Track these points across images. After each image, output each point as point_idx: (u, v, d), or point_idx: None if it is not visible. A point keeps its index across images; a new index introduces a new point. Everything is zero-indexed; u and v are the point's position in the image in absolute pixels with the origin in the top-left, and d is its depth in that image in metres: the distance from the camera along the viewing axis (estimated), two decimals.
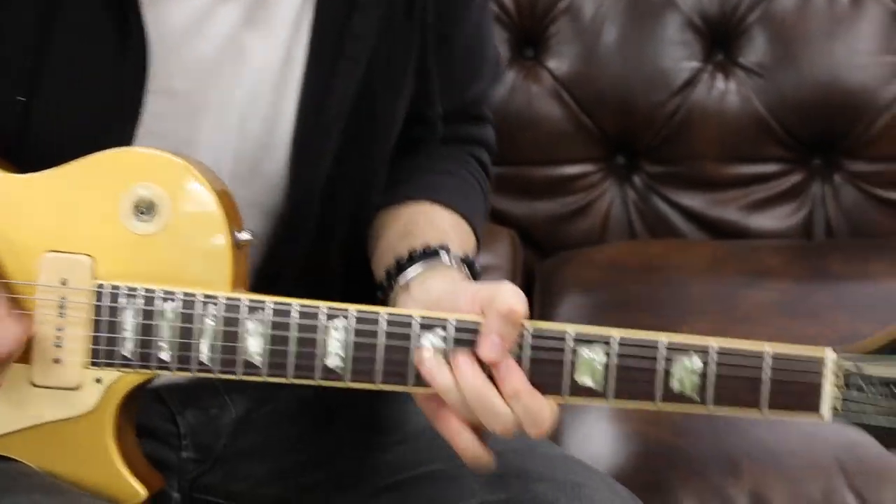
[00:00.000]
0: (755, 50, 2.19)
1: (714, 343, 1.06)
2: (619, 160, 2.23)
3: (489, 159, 1.41)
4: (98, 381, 1.14)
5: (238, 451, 1.32)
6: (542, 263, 2.15)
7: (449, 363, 1.09)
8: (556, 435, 1.65)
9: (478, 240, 1.32)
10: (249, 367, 1.12)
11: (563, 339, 1.07)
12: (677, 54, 2.19)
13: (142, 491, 1.16)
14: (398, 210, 1.30)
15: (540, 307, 1.99)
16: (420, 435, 1.25)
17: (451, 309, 1.11)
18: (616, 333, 1.07)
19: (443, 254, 1.20)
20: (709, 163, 2.19)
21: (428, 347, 1.09)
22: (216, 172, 1.18)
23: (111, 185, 1.14)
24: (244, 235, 1.15)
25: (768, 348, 1.05)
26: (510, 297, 1.08)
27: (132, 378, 1.14)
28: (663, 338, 1.06)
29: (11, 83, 1.16)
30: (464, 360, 1.08)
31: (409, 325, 1.10)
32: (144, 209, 1.14)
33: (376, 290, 1.22)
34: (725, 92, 2.18)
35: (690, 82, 2.18)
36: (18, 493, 1.13)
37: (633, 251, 2.12)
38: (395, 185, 1.32)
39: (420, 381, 1.10)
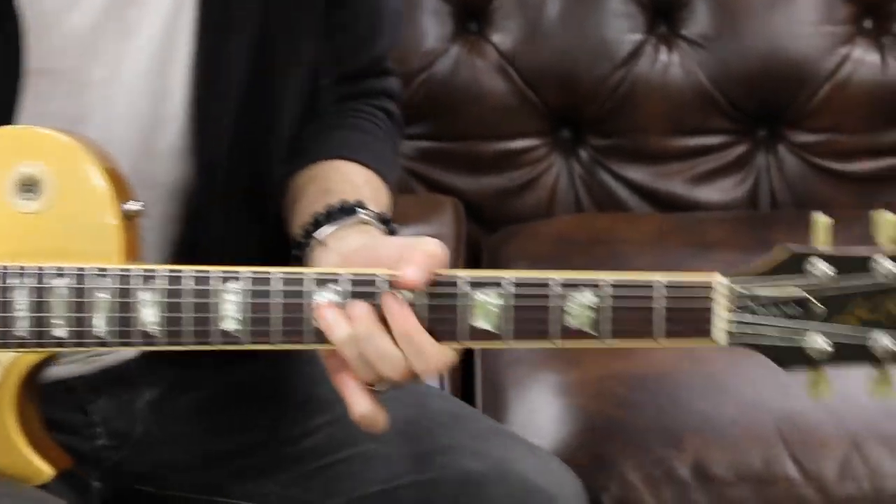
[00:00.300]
0: (698, 21, 2.19)
1: (606, 277, 1.06)
2: (564, 134, 2.23)
3: (396, 108, 1.42)
4: None
5: (164, 437, 1.32)
6: (488, 238, 2.15)
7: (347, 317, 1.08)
8: (499, 408, 1.65)
9: (391, 192, 1.32)
10: (146, 336, 1.12)
11: (454, 283, 1.07)
12: (620, 26, 2.18)
13: (47, 469, 1.15)
14: (312, 170, 1.30)
15: None
16: (348, 415, 1.24)
17: (371, 261, 1.11)
18: (508, 275, 1.07)
19: (359, 210, 1.20)
20: (653, 135, 2.20)
21: (324, 302, 1.08)
22: (110, 150, 1.16)
23: None
24: (132, 206, 1.14)
25: (659, 278, 1.06)
26: (434, 243, 1.09)
27: (30, 358, 1.14)
28: (555, 275, 1.07)
29: None
30: (360, 307, 1.08)
31: (302, 282, 1.10)
32: (29, 187, 1.13)
33: (292, 250, 1.22)
34: (669, 64, 2.19)
35: (634, 54, 2.18)
36: None
37: (580, 225, 2.12)
38: (307, 146, 1.32)
39: (319, 337, 1.10)
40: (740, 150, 2.22)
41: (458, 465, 1.18)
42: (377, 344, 1.07)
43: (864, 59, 2.18)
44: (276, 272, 1.11)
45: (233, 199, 1.25)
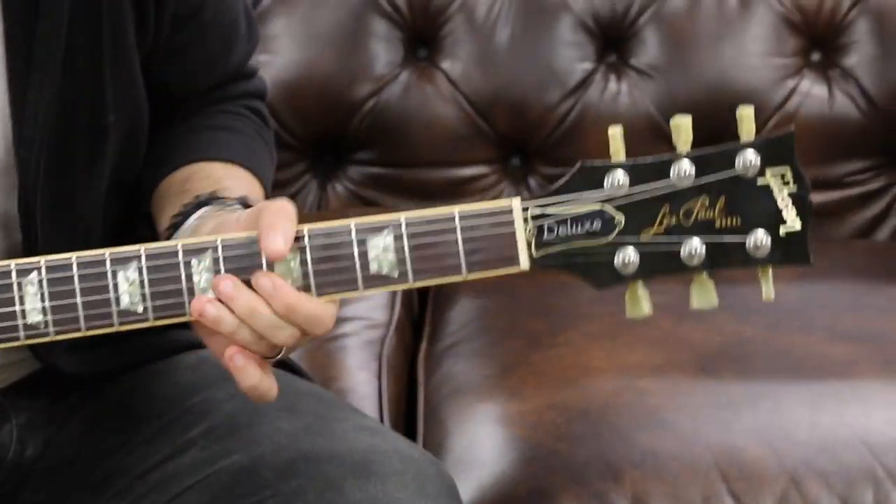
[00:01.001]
0: (647, 51, 2.19)
1: (402, 216, 1.06)
2: (514, 162, 2.23)
3: (264, 106, 1.42)
4: None
5: (49, 467, 1.29)
6: None
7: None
8: (440, 439, 1.64)
9: (266, 188, 1.32)
10: None
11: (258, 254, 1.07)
12: (570, 55, 2.19)
13: None
14: (174, 175, 1.30)
15: (432, 310, 1.98)
16: (223, 425, 1.24)
17: None
18: (306, 228, 1.07)
19: (214, 200, 1.20)
20: None
21: (208, 297, 1.08)
22: None
23: None
24: None
25: (456, 210, 1.05)
26: (280, 200, 1.09)
27: None
28: (352, 222, 1.07)
29: None
30: (228, 282, 1.08)
31: (102, 263, 1.09)
32: None
33: None
34: (618, 93, 2.19)
35: (583, 83, 2.18)
36: None
37: None
38: (171, 152, 1.32)
39: (125, 318, 1.09)
40: None
41: (319, 471, 1.16)
42: (262, 319, 1.08)
43: (812, 92, 2.18)
44: (74, 256, 1.10)
45: (53, 210, 1.23)
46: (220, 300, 1.09)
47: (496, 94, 2.18)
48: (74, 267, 1.10)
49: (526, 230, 1.05)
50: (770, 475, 1.54)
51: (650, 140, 2.19)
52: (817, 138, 2.18)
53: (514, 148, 2.22)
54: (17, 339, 1.10)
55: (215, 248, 1.10)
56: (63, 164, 1.22)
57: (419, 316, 2.00)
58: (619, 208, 1.05)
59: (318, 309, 1.08)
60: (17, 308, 1.10)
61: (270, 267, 1.09)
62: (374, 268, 1.07)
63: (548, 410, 1.62)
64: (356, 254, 1.07)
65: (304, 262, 1.08)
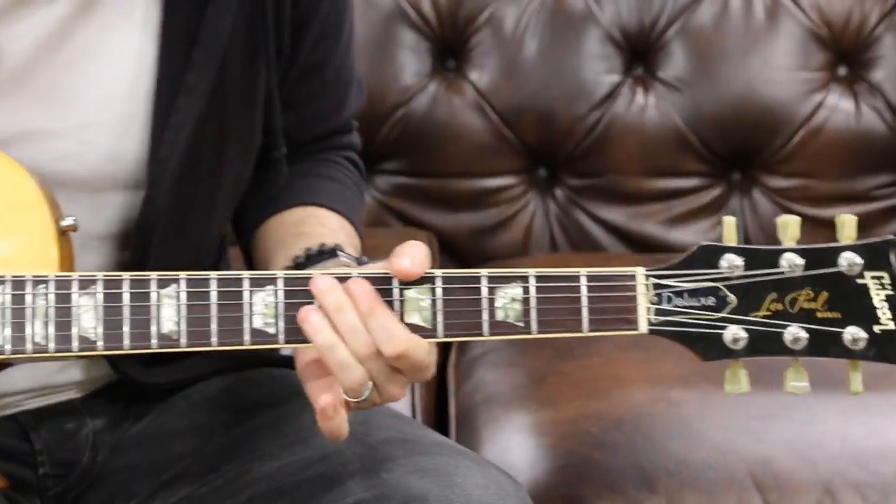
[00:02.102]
0: (674, 64, 2.21)
1: (532, 271, 1.12)
2: (540, 173, 2.25)
3: (359, 159, 1.47)
4: None
5: (112, 467, 1.32)
6: None
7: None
8: (473, 447, 1.65)
9: (360, 240, 1.37)
10: (85, 342, 1.13)
11: (389, 282, 1.12)
12: (598, 67, 2.20)
13: None
14: (284, 215, 1.34)
15: None
16: (297, 437, 1.27)
17: None
18: (438, 273, 1.12)
19: (339, 253, 1.24)
20: (629, 176, 2.21)
21: (312, 308, 1.12)
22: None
23: None
24: (67, 221, 1.17)
25: (583, 271, 1.12)
26: (412, 242, 1.14)
27: None
28: (484, 271, 1.13)
29: None
30: (323, 281, 1.11)
31: (239, 282, 1.13)
32: None
33: None
34: (645, 106, 2.20)
35: (610, 95, 2.20)
36: None
37: (555, 264, 2.11)
38: (281, 193, 1.36)
39: (257, 338, 1.13)
40: (715, 192, 2.24)
41: (402, 482, 1.19)
42: (346, 318, 1.11)
43: (839, 106, 2.20)
44: (213, 274, 1.13)
45: (169, 233, 1.26)
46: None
47: (523, 106, 2.19)
48: (213, 283, 1.13)
49: (646, 297, 1.12)
50: (804, 485, 1.55)
51: (676, 152, 2.20)
52: (843, 152, 2.20)
53: (541, 159, 2.23)
54: (148, 346, 1.13)
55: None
56: (188, 187, 1.25)
57: None
58: (731, 288, 1.12)
59: (401, 329, 1.11)
60: (154, 317, 1.13)
61: (402, 305, 1.13)
62: (500, 315, 1.12)
63: (581, 419, 1.63)
64: (484, 301, 1.12)
65: (433, 303, 1.12)
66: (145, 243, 1.24)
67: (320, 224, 1.33)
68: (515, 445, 1.63)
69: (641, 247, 2.23)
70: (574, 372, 1.73)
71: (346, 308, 1.11)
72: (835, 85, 2.21)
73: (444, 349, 1.95)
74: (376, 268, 1.15)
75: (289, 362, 1.35)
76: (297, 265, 1.25)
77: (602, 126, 2.19)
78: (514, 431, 1.65)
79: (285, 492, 1.24)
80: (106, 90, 1.23)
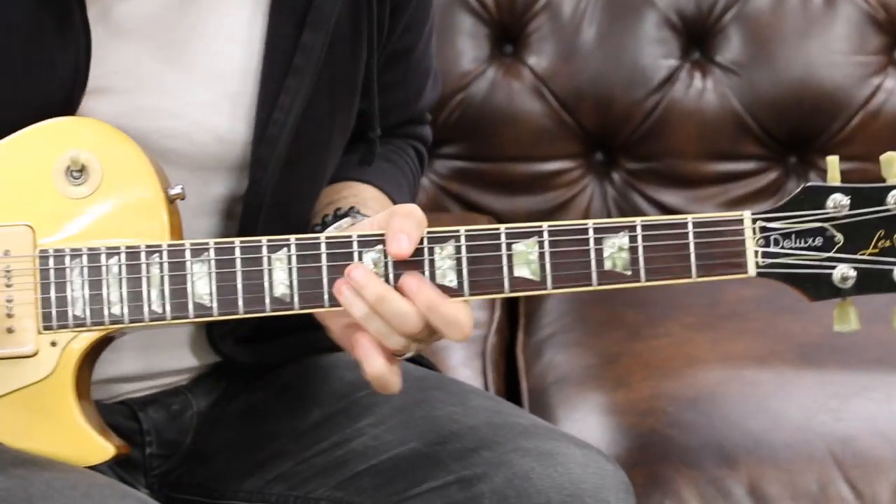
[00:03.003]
0: (731, 48, 2.22)
1: (638, 220, 1.13)
2: (597, 157, 2.26)
3: (424, 151, 1.49)
4: (53, 344, 1.16)
5: (213, 447, 1.34)
6: None
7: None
8: None
9: None
10: (200, 308, 1.15)
11: (497, 236, 1.13)
12: (655, 52, 2.21)
13: (110, 447, 1.18)
14: (328, 189, 1.35)
15: (525, 304, 2.00)
16: (393, 416, 1.28)
17: None
18: (545, 225, 1.13)
19: (353, 214, 1.26)
20: (686, 160, 2.22)
21: (343, 281, 1.13)
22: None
23: (42, 155, 1.17)
24: (175, 189, 1.19)
25: (690, 217, 1.14)
26: (410, 205, 1.15)
27: (87, 337, 1.17)
28: (590, 222, 1.13)
29: None
30: (359, 273, 1.13)
31: (349, 245, 1.14)
32: (77, 173, 1.17)
33: None
34: (703, 90, 2.21)
35: (668, 80, 2.21)
36: None
37: None
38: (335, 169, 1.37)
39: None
40: (772, 176, 2.25)
41: (505, 460, 1.20)
42: (391, 306, 1.12)
43: None
44: (322, 237, 1.15)
45: (274, 210, 1.28)
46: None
47: (582, 90, 2.20)
48: (322, 246, 1.15)
49: (753, 240, 1.13)
50: (885, 463, 1.56)
51: (733, 136, 2.22)
52: None
53: (598, 143, 2.25)
54: (262, 310, 1.15)
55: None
56: (294, 168, 1.27)
57: (511, 307, 2.02)
58: (838, 228, 1.13)
59: (457, 308, 1.13)
60: (266, 281, 1.15)
61: (510, 258, 1.14)
62: (608, 265, 1.13)
63: (656, 399, 1.64)
64: (592, 251, 1.13)
65: (541, 256, 1.13)
66: (252, 222, 1.25)
67: (353, 195, 1.34)
68: (592, 425, 1.65)
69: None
70: (645, 352, 1.75)
71: (389, 296, 1.13)
72: (892, 68, 2.22)
73: (510, 331, 1.96)
74: (374, 224, 1.17)
75: None
76: (314, 231, 1.26)
77: (660, 110, 2.20)
78: (590, 411, 1.67)
79: (383, 469, 1.26)
80: (215, 71, 1.24)
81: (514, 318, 1.99)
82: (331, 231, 1.24)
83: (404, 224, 1.14)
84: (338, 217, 1.26)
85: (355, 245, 1.14)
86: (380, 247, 1.14)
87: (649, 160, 2.24)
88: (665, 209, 2.25)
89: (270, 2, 1.25)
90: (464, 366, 1.82)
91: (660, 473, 1.56)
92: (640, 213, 2.24)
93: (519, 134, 2.21)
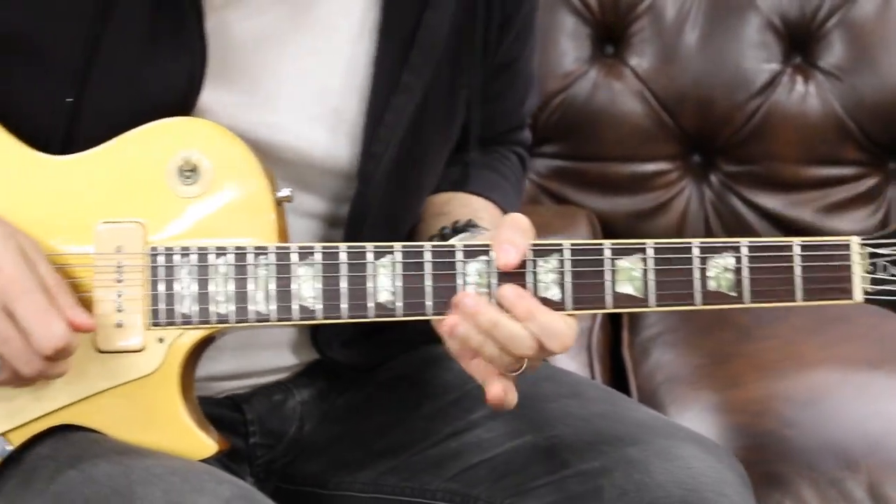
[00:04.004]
0: (834, 53, 2.21)
1: (744, 241, 1.12)
2: (694, 159, 2.26)
3: (526, 154, 1.50)
4: (160, 340, 1.18)
5: (318, 438, 1.35)
6: None
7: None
8: None
9: None
10: (305, 311, 1.16)
11: (600, 251, 1.13)
12: (757, 56, 2.21)
13: (212, 444, 1.19)
14: (433, 198, 1.37)
15: None
16: (506, 411, 1.26)
17: None
18: (650, 242, 1.13)
19: (470, 228, 1.26)
20: (786, 164, 2.22)
21: (456, 318, 1.13)
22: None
23: (155, 154, 1.19)
24: (283, 192, 1.20)
25: (796, 240, 1.12)
26: (516, 214, 1.16)
27: (193, 334, 1.18)
28: (695, 241, 1.13)
29: (60, 86, 1.18)
30: (471, 300, 1.13)
31: (453, 254, 1.15)
32: (188, 173, 1.19)
33: None
34: (805, 94, 2.21)
35: (770, 84, 2.21)
36: (96, 457, 1.16)
37: None
38: (444, 177, 1.38)
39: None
40: (873, 181, 2.25)
41: (623, 453, 1.21)
42: (503, 331, 1.13)
43: None
44: (427, 245, 1.16)
45: (379, 220, 1.29)
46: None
47: (683, 92, 2.21)
48: (427, 254, 1.16)
49: (861, 266, 1.12)
50: None
51: (835, 141, 2.21)
52: None
53: (696, 145, 2.25)
54: (365, 315, 1.16)
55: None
56: (400, 179, 1.28)
57: None
58: None
59: (556, 318, 1.13)
60: (370, 287, 1.15)
61: (613, 274, 1.14)
62: (712, 285, 1.13)
63: (770, 399, 1.65)
64: (696, 270, 1.13)
65: (645, 273, 1.13)
66: (355, 233, 1.27)
67: (462, 205, 1.35)
68: (706, 424, 1.65)
69: (796, 234, 2.21)
70: (755, 353, 1.75)
71: (501, 321, 1.13)
72: None
73: (615, 330, 1.97)
74: (486, 239, 1.16)
75: None
76: (431, 241, 1.26)
77: (761, 114, 2.20)
78: (702, 410, 1.68)
79: (499, 462, 1.27)
80: (320, 86, 1.26)
81: (617, 316, 2.00)
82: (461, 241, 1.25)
83: (512, 235, 1.14)
84: (456, 230, 1.27)
85: (460, 255, 1.15)
86: (483, 257, 1.15)
87: (748, 163, 2.24)
88: (762, 212, 2.25)
89: (380, 20, 1.26)
90: (570, 358, 1.83)
91: (779, 473, 1.57)
92: (737, 215, 2.25)
93: (619, 134, 2.22)
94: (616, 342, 1.93)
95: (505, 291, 1.13)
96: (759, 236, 2.21)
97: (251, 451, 1.33)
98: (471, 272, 1.15)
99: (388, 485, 1.32)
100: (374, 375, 1.37)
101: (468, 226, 1.27)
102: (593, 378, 1.81)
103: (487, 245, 1.15)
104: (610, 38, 2.25)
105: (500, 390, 1.15)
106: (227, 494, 1.11)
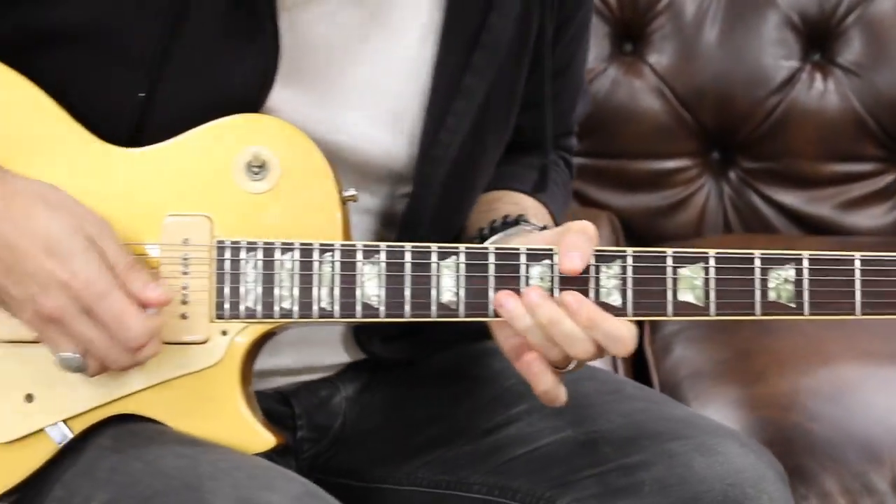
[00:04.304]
0: (852, 50, 2.23)
1: (806, 253, 1.12)
2: (714, 155, 2.28)
3: (572, 160, 1.50)
4: (224, 333, 1.18)
5: (362, 432, 1.36)
6: None
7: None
8: None
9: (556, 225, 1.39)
10: (368, 309, 1.17)
11: (662, 259, 1.13)
12: (776, 53, 2.23)
13: (271, 437, 1.20)
14: (484, 196, 1.37)
15: None
16: (542, 407, 1.27)
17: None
18: (711, 252, 1.14)
19: (521, 222, 1.27)
20: (805, 160, 2.24)
21: (507, 292, 1.14)
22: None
23: (224, 150, 1.19)
24: (349, 192, 1.21)
25: (857, 254, 1.12)
26: (583, 221, 1.16)
27: (256, 328, 1.19)
28: (757, 251, 1.13)
29: (134, 79, 1.19)
30: (535, 294, 1.14)
31: (517, 256, 1.15)
32: (256, 169, 1.19)
33: None
34: (824, 91, 2.23)
35: (789, 80, 2.22)
36: (159, 449, 1.17)
37: (729, 245, 2.14)
38: (497, 176, 1.38)
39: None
40: (891, 177, 2.26)
41: (664, 448, 1.22)
42: (562, 329, 1.13)
43: None
44: (491, 248, 1.16)
45: (433, 220, 1.30)
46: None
47: (702, 89, 2.22)
48: (491, 257, 1.16)
49: None
50: None
51: (854, 137, 2.23)
52: None
53: (715, 142, 2.26)
54: (428, 315, 1.17)
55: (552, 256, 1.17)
56: (457, 180, 1.29)
57: None
58: None
59: (618, 325, 1.14)
60: (434, 287, 1.16)
61: (675, 283, 1.14)
62: (772, 296, 1.13)
63: (795, 394, 1.66)
64: (758, 281, 1.13)
65: (706, 282, 1.14)
66: (411, 233, 1.27)
67: (513, 203, 1.36)
68: (730, 418, 1.66)
69: (815, 229, 2.26)
70: (778, 349, 1.76)
71: (561, 320, 1.14)
72: None
73: (636, 326, 1.98)
74: (547, 239, 1.18)
75: None
76: (482, 237, 1.28)
77: (780, 110, 2.22)
78: (726, 405, 1.69)
79: (539, 456, 1.27)
80: (382, 87, 1.26)
81: None
82: (499, 238, 1.26)
83: (578, 241, 1.15)
84: (507, 224, 1.28)
85: (523, 258, 1.16)
86: (547, 261, 1.16)
87: (767, 160, 2.25)
88: (781, 208, 2.26)
89: (443, 23, 1.27)
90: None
91: (804, 466, 1.58)
92: (755, 211, 2.26)
93: (638, 131, 2.24)
94: (640, 338, 1.94)
95: (566, 299, 1.14)
96: (777, 231, 2.25)
97: (298, 445, 1.34)
98: (533, 275, 1.16)
99: (426, 478, 1.33)
100: (414, 371, 1.38)
101: (518, 221, 1.28)
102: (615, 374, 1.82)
103: (551, 249, 1.16)
104: (629, 36, 2.26)
105: (550, 381, 1.16)
106: (297, 491, 1.12)
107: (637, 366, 1.89)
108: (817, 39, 2.24)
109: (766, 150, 2.24)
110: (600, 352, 1.15)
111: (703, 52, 2.22)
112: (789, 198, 2.26)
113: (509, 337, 1.19)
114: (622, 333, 1.13)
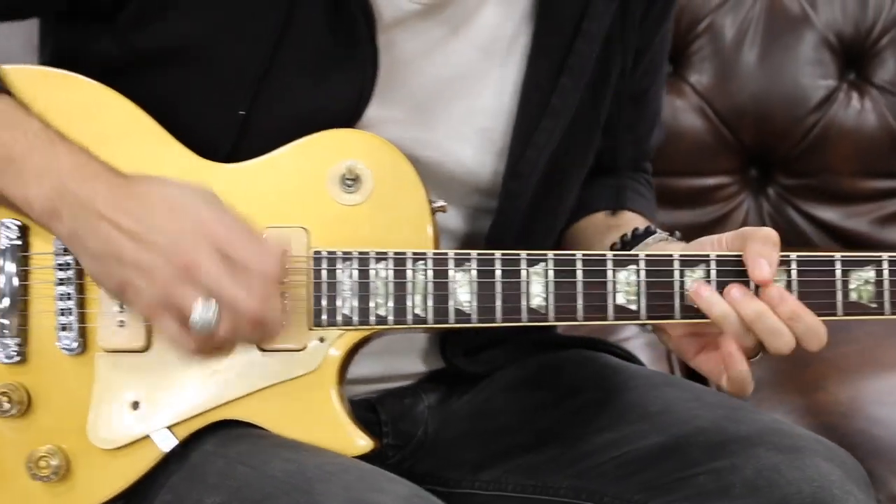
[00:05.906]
0: (887, 69, 2.27)
1: (885, 255, 1.17)
2: (753, 173, 2.32)
3: (651, 181, 1.57)
4: (321, 340, 1.22)
5: (445, 439, 1.39)
6: None
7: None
8: None
9: None
10: (460, 315, 1.21)
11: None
12: (814, 72, 2.27)
13: (369, 442, 1.23)
14: (594, 216, 1.43)
15: None
16: (631, 411, 1.33)
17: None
18: (793, 255, 1.19)
19: (656, 231, 1.32)
20: (843, 177, 2.28)
21: (702, 282, 1.19)
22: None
23: (319, 163, 1.24)
24: (438, 203, 1.25)
25: None
26: (765, 228, 1.21)
27: (352, 335, 1.22)
28: (837, 254, 1.18)
29: (234, 98, 1.23)
30: (738, 290, 1.18)
31: (603, 262, 1.20)
32: (350, 182, 1.23)
33: None
34: (861, 110, 2.27)
35: (827, 99, 2.27)
36: (265, 454, 1.19)
37: None
38: (589, 200, 1.44)
39: (620, 314, 1.20)
40: None
41: (752, 452, 1.25)
42: (767, 322, 1.18)
43: None
44: (578, 254, 1.21)
45: (518, 237, 1.33)
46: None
47: (742, 108, 2.26)
48: (579, 263, 1.21)
49: None
50: None
51: (892, 154, 2.27)
52: None
53: (753, 159, 2.31)
54: (518, 320, 1.20)
55: (708, 262, 1.21)
56: (543, 198, 1.33)
57: None
58: None
59: (818, 321, 1.19)
60: (523, 293, 1.20)
61: (757, 287, 1.19)
62: (853, 297, 1.19)
63: (856, 401, 1.69)
64: (839, 282, 1.19)
65: (788, 286, 1.19)
66: (497, 247, 1.29)
67: (630, 219, 1.41)
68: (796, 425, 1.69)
69: (852, 244, 2.30)
70: (835, 358, 1.80)
71: (766, 313, 1.18)
72: None
73: None
74: (724, 245, 1.21)
75: (587, 343, 1.44)
76: (624, 245, 1.32)
77: (818, 128, 2.26)
78: (789, 412, 1.72)
79: (627, 461, 1.30)
80: (470, 107, 1.30)
81: None
82: (647, 245, 1.31)
83: (764, 248, 1.19)
84: (636, 237, 1.33)
85: (609, 264, 1.20)
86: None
87: (805, 176, 2.29)
88: (819, 224, 2.31)
89: (531, 45, 1.31)
90: (652, 365, 1.86)
91: (875, 472, 1.61)
92: (794, 227, 2.31)
93: (680, 149, 2.27)
94: None
95: (771, 292, 1.18)
96: (816, 247, 2.29)
97: (384, 451, 1.37)
98: (620, 280, 1.20)
99: (511, 482, 1.35)
100: (493, 382, 1.41)
101: (647, 233, 1.33)
102: None
103: (637, 255, 1.20)
104: (670, 57, 2.28)
105: (745, 368, 1.21)
106: (406, 493, 1.15)
107: (694, 374, 1.92)
108: (853, 59, 2.29)
109: (804, 167, 2.28)
110: (798, 345, 1.20)
111: (742, 72, 2.27)
112: (827, 213, 2.30)
113: (681, 333, 1.23)
114: (821, 327, 1.19)
